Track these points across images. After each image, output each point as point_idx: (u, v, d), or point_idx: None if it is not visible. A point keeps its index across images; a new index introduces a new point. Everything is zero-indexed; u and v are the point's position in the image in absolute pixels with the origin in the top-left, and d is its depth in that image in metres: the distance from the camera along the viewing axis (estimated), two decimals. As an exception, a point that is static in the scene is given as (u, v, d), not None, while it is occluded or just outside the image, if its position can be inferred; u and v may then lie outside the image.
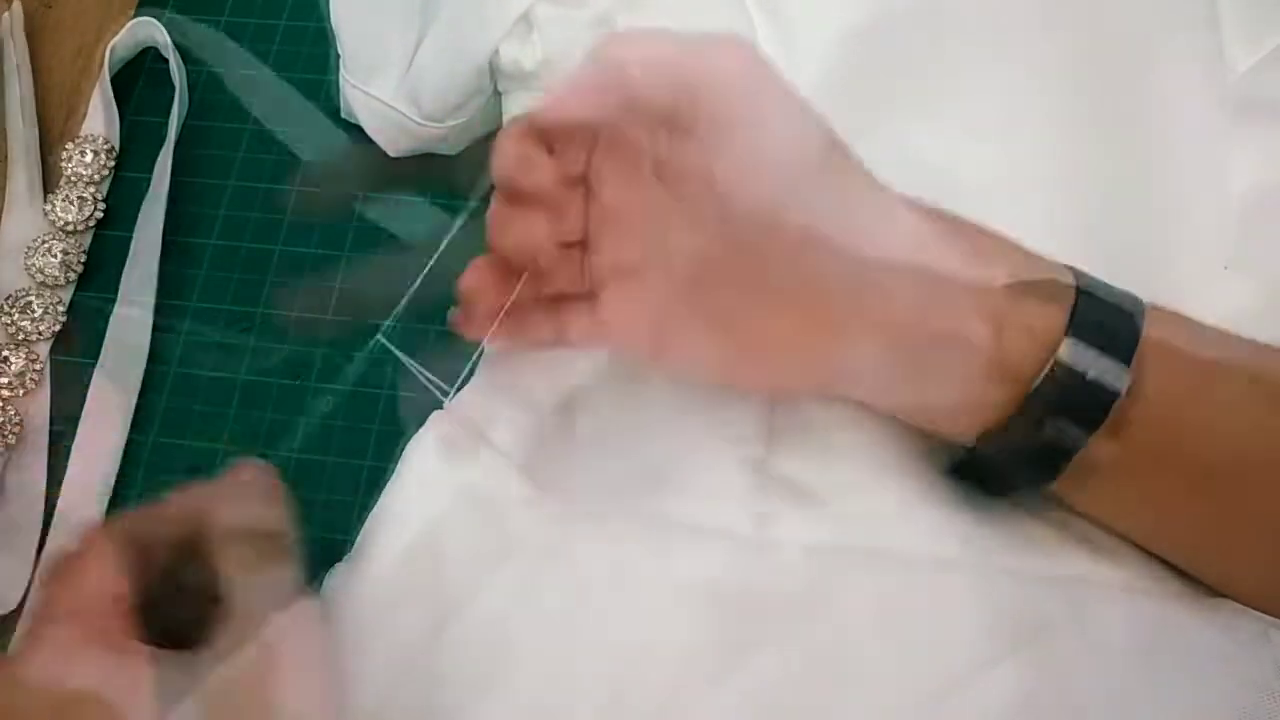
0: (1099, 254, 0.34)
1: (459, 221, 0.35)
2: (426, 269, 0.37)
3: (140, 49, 0.55)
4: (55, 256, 0.50)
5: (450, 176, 0.48)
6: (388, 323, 0.37)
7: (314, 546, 0.44)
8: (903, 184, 0.33)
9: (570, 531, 0.37)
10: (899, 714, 0.34)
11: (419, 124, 0.48)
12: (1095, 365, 0.31)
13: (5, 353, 0.48)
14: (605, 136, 0.34)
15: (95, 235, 0.51)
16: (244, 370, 0.48)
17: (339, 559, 0.39)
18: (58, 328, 0.50)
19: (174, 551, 0.33)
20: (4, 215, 0.51)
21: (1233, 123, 0.40)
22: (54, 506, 0.47)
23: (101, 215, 0.52)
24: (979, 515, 0.36)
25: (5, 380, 0.48)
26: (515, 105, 0.46)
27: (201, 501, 0.34)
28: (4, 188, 0.51)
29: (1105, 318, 0.32)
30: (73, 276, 0.50)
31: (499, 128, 0.36)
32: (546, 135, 0.34)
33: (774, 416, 0.38)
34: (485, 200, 0.35)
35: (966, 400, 0.32)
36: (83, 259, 0.51)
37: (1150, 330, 0.32)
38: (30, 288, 0.49)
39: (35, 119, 0.53)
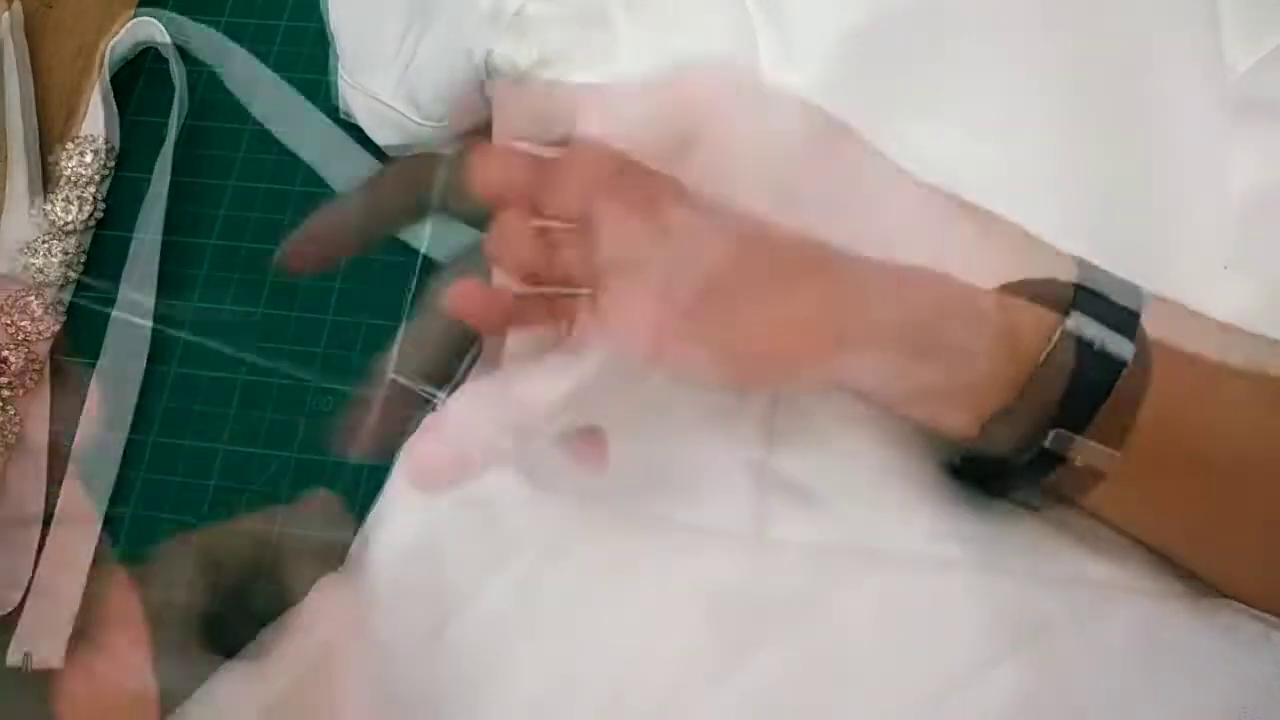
0: (1099, 254, 0.34)
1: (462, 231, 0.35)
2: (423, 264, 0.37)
3: (140, 49, 0.55)
4: (55, 257, 0.50)
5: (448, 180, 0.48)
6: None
7: (314, 546, 0.44)
8: (903, 184, 0.33)
9: (570, 532, 0.37)
10: (899, 714, 0.34)
11: (417, 123, 0.48)
12: (1101, 337, 0.31)
13: (5, 352, 0.48)
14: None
15: (95, 235, 0.51)
16: (244, 370, 0.48)
17: (339, 559, 0.39)
18: (57, 328, 0.50)
19: (244, 568, 0.33)
20: (3, 215, 0.51)
21: (1233, 123, 0.40)
22: (54, 506, 0.47)
23: (101, 215, 0.52)
24: (979, 515, 0.36)
25: (5, 380, 0.48)
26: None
27: (273, 523, 0.34)
28: (3, 188, 0.51)
29: (1110, 292, 0.32)
30: (72, 276, 0.50)
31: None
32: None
33: (774, 417, 0.38)
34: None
35: (971, 382, 0.32)
36: (82, 259, 0.51)
37: (1153, 326, 0.32)
38: (30, 288, 0.49)
39: (35, 119, 0.53)
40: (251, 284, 0.49)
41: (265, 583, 0.33)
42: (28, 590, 0.46)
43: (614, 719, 0.35)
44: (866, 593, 0.35)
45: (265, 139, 0.52)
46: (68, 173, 0.51)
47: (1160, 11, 0.41)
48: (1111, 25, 0.42)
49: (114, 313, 0.49)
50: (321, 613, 0.37)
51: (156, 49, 0.55)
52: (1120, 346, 0.31)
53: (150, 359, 0.48)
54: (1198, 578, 0.35)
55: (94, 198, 0.51)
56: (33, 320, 0.49)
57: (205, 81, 0.54)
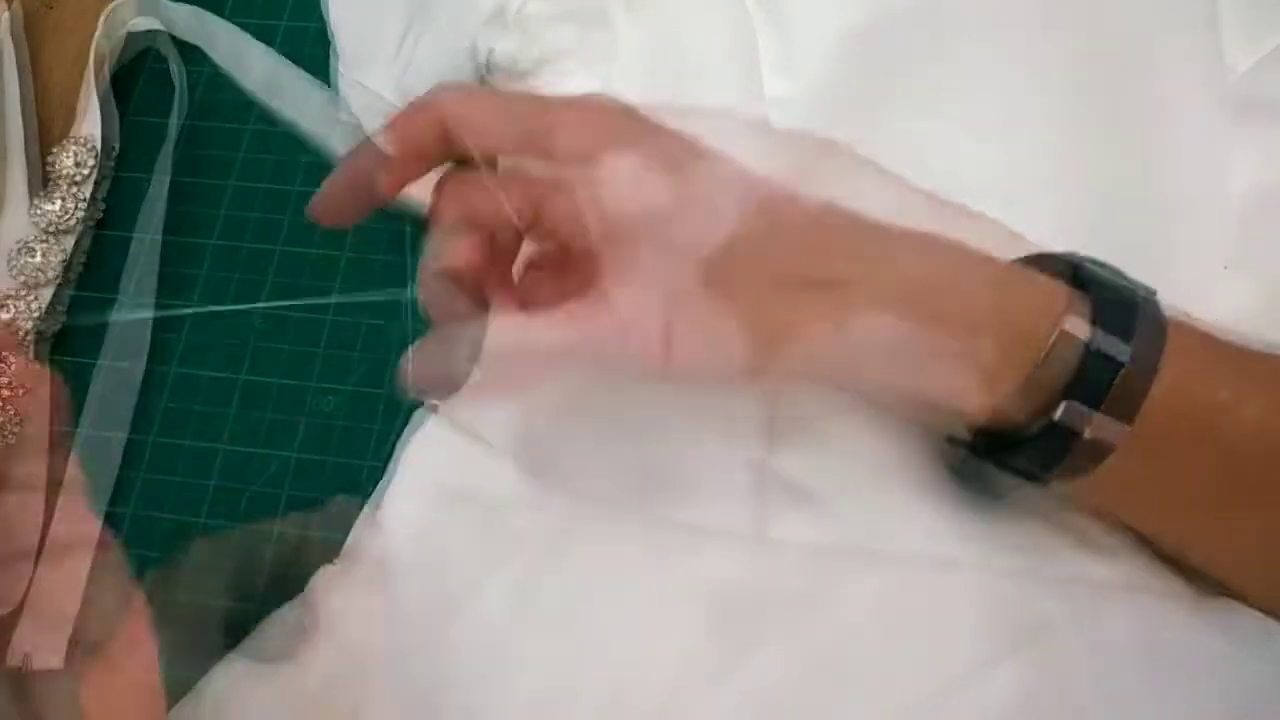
0: (1099, 254, 0.34)
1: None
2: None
3: (140, 49, 0.55)
4: (54, 256, 0.50)
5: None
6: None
7: (314, 546, 0.44)
8: (903, 184, 0.34)
9: (570, 532, 0.38)
10: (899, 714, 0.34)
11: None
12: (1119, 308, 0.31)
13: (4, 352, 0.48)
14: None
15: (94, 235, 0.51)
16: (244, 370, 0.48)
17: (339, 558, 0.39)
18: (57, 327, 0.50)
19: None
20: (2, 215, 0.51)
21: (1233, 123, 0.40)
22: (53, 506, 0.46)
23: (101, 215, 0.52)
24: (979, 515, 0.36)
25: (5, 380, 0.48)
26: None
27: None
28: (2, 187, 0.51)
29: (1114, 284, 0.32)
30: (72, 276, 0.50)
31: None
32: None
33: (774, 417, 0.38)
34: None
35: (984, 349, 0.31)
36: (83, 259, 0.51)
37: (1166, 314, 0.32)
38: (29, 287, 0.49)
39: (35, 119, 0.53)
40: (251, 284, 0.49)
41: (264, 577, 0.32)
42: (28, 590, 0.46)
43: (614, 719, 0.35)
44: (866, 593, 0.35)
45: (265, 139, 0.52)
46: (66, 172, 0.51)
47: (1160, 12, 0.41)
48: (1111, 25, 0.42)
49: (114, 313, 0.49)
50: (341, 613, 0.37)
51: (157, 49, 0.55)
52: (1119, 351, 0.31)
53: (150, 359, 0.48)
54: (1197, 571, 0.35)
55: (93, 197, 0.51)
56: (32, 320, 0.49)
57: (205, 81, 0.54)
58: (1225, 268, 0.38)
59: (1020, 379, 0.31)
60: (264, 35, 0.53)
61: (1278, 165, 0.39)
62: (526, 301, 0.34)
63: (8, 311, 0.48)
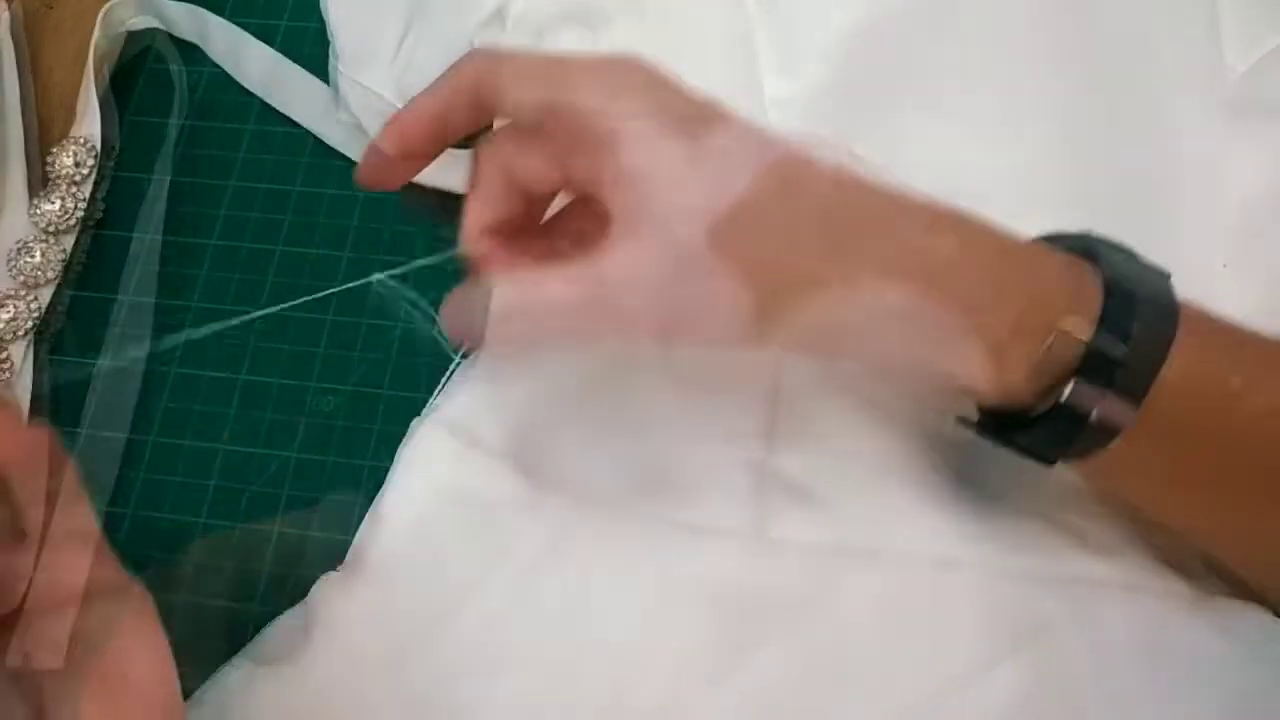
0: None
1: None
2: (420, 264, 0.37)
3: (140, 48, 0.55)
4: (54, 256, 0.50)
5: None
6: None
7: (314, 546, 0.44)
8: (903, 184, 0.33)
9: (570, 532, 0.37)
10: (899, 714, 0.34)
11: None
12: (1132, 288, 0.31)
13: (6, 351, 0.48)
14: None
15: (95, 235, 0.51)
16: (244, 370, 0.48)
17: (339, 559, 0.39)
18: (58, 328, 0.50)
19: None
20: (1, 215, 0.51)
21: (1231, 123, 0.40)
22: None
23: (101, 215, 0.52)
24: (979, 515, 0.36)
25: (6, 379, 0.48)
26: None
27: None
28: (2, 187, 0.51)
29: (1128, 266, 0.32)
30: (72, 276, 0.50)
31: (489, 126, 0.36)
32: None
33: (775, 416, 0.38)
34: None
35: (986, 350, 0.31)
36: (83, 259, 0.51)
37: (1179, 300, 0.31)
38: (29, 287, 0.49)
39: (35, 119, 0.53)
40: (252, 284, 0.49)
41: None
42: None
43: (614, 719, 0.35)
44: (866, 593, 0.35)
45: (265, 139, 0.52)
46: (66, 172, 0.51)
47: (1159, 13, 0.41)
48: (1111, 26, 0.42)
49: (114, 313, 0.49)
50: (342, 615, 0.37)
51: (157, 49, 0.55)
52: (1150, 304, 0.31)
53: (150, 359, 0.48)
54: (1197, 571, 0.35)
55: (93, 197, 0.51)
56: (32, 320, 0.49)
57: (205, 81, 0.54)
58: (1225, 267, 0.38)
59: (1030, 358, 0.31)
60: (264, 35, 0.53)
61: (1277, 165, 0.39)
62: (546, 257, 0.34)
63: (8, 311, 0.48)
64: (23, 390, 0.48)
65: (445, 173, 0.42)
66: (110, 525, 0.45)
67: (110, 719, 0.28)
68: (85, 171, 0.52)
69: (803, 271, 0.31)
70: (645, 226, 0.30)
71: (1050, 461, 0.32)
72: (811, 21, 0.43)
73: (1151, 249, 0.38)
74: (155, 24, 0.55)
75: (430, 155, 0.35)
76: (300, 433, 0.46)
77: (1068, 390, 0.30)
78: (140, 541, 0.45)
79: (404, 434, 0.41)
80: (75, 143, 0.52)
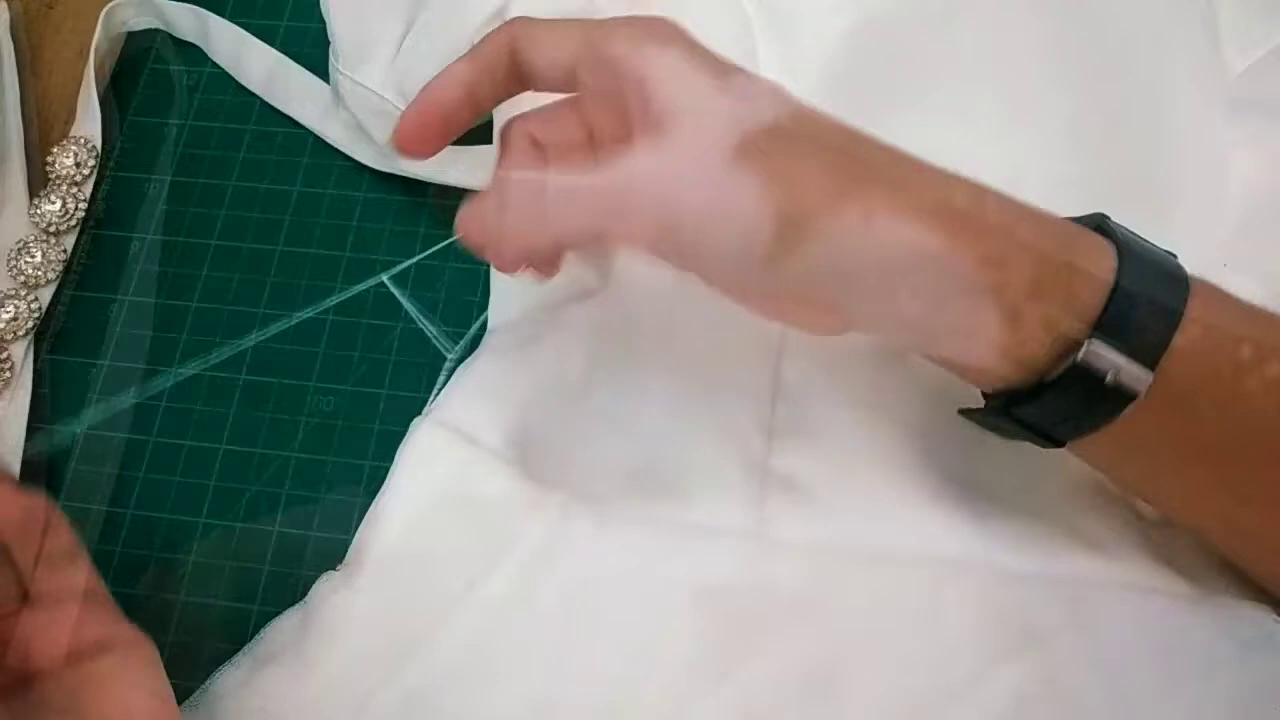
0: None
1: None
2: (419, 259, 0.37)
3: (141, 48, 0.55)
4: (54, 256, 0.50)
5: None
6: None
7: (314, 546, 0.44)
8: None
9: (569, 531, 0.37)
10: (899, 715, 0.34)
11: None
12: (1146, 257, 0.31)
13: (6, 351, 0.48)
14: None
15: (95, 235, 0.51)
16: (244, 370, 0.48)
17: (339, 558, 0.39)
18: (58, 327, 0.50)
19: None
20: (1, 216, 0.51)
21: (1230, 123, 0.40)
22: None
23: (101, 215, 0.52)
24: (979, 515, 0.36)
25: (6, 378, 0.48)
26: (509, 106, 0.46)
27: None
28: (1, 187, 0.51)
29: (1139, 239, 0.32)
30: (72, 276, 0.50)
31: (488, 123, 0.36)
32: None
33: (774, 416, 0.38)
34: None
35: (1002, 308, 0.31)
36: (83, 259, 0.51)
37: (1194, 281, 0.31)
38: (29, 287, 0.49)
39: (35, 119, 0.53)
40: (251, 284, 0.49)
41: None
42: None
43: (613, 719, 0.35)
44: (866, 593, 0.35)
45: (265, 139, 0.52)
46: (66, 172, 0.51)
47: (1158, 13, 0.41)
48: (1110, 26, 0.42)
49: (114, 313, 0.49)
50: (341, 615, 0.37)
51: (157, 49, 0.55)
52: (1162, 273, 0.31)
53: (150, 359, 0.48)
54: (1197, 570, 0.35)
55: (93, 197, 0.51)
56: (32, 320, 0.49)
57: (206, 82, 0.54)
58: (1225, 266, 0.38)
59: (1046, 318, 0.30)
60: (264, 35, 0.53)
61: (1277, 165, 0.39)
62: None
63: (8, 311, 0.48)
64: (23, 390, 0.48)
65: (473, 174, 0.43)
66: (110, 525, 0.45)
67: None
68: (86, 171, 0.52)
69: (820, 201, 0.30)
70: (670, 133, 0.31)
71: (1058, 441, 0.32)
72: (811, 21, 0.43)
73: (1151, 248, 0.38)
74: (156, 24, 0.55)
75: (464, 122, 0.35)
76: (300, 433, 0.46)
77: (1083, 351, 0.30)
78: (140, 541, 0.45)
79: (404, 434, 0.41)
80: (75, 143, 0.52)
